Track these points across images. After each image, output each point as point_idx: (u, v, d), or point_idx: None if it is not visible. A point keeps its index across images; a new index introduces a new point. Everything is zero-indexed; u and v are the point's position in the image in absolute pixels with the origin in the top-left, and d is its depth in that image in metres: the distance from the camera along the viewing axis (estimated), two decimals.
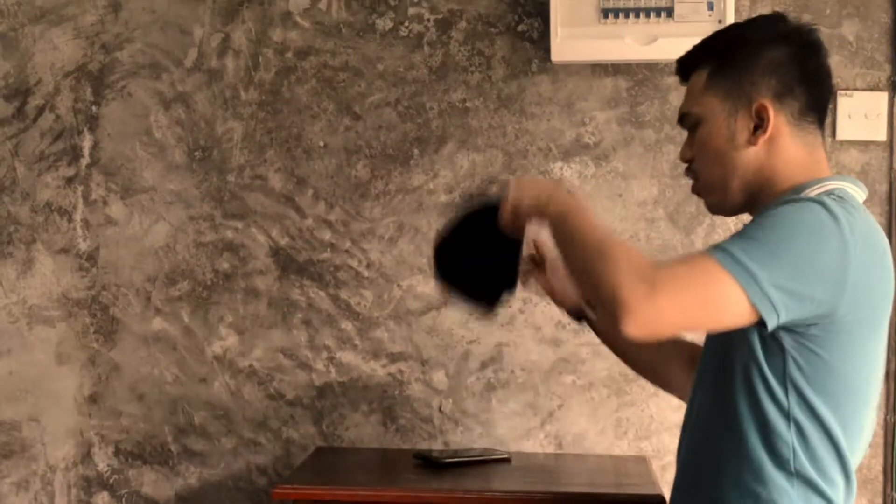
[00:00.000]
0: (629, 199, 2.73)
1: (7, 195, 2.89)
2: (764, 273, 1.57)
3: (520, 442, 2.74)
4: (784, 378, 1.67)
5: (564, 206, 1.75)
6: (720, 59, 1.79)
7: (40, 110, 2.89)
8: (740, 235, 1.63)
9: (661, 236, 2.72)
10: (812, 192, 1.70)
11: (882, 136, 2.66)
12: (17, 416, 2.89)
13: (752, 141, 1.76)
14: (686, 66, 1.86)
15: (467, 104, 2.77)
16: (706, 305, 1.59)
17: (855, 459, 1.77)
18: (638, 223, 2.72)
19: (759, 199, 1.77)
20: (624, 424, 2.74)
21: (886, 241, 1.73)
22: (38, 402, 2.88)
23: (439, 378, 2.78)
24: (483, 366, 2.77)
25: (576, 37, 2.63)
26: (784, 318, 1.61)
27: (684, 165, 1.85)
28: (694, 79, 1.83)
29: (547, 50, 2.68)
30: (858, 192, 1.76)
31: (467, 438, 2.77)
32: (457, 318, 2.77)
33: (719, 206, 1.84)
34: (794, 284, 1.59)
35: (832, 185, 1.73)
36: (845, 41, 2.67)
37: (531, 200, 1.80)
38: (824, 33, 2.64)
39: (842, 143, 2.68)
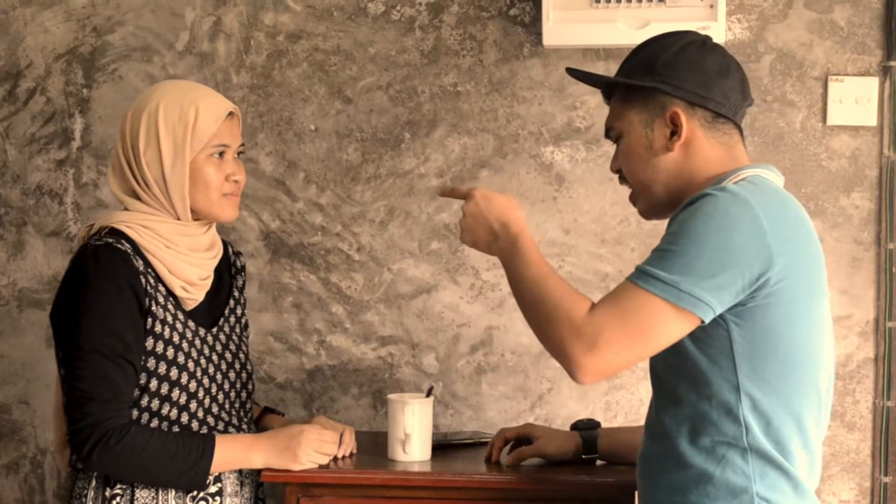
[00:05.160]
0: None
1: None
2: (684, 278, 1.67)
3: (510, 425, 2.74)
4: (731, 352, 1.73)
5: (507, 249, 1.87)
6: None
7: (31, 93, 2.88)
8: (655, 251, 1.74)
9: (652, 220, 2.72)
10: (724, 184, 1.78)
11: (872, 121, 2.66)
12: (8, 399, 2.90)
13: (669, 147, 1.85)
14: (608, 88, 1.98)
15: (459, 88, 2.77)
16: (645, 335, 1.71)
17: (818, 430, 1.80)
18: (628, 207, 2.69)
19: (683, 197, 1.86)
20: (613, 408, 2.75)
21: (802, 211, 1.81)
22: (29, 385, 2.88)
23: (429, 361, 2.79)
24: (473, 349, 2.78)
25: (568, 21, 2.63)
26: (720, 308, 1.70)
27: None
28: (614, 97, 1.95)
29: (539, 34, 2.68)
30: (772, 176, 1.85)
31: (457, 421, 2.78)
32: (447, 301, 2.78)
33: (650, 210, 1.96)
34: (718, 277, 1.68)
35: (745, 173, 1.81)
36: (837, 26, 2.67)
37: (482, 243, 1.93)
38: (816, 18, 2.66)
39: (832, 128, 2.68)
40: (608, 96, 1.98)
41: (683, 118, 1.83)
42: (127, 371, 2.01)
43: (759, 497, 1.73)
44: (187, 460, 2.04)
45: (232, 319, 2.27)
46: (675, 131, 1.84)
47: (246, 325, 2.33)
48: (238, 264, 2.33)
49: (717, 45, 1.89)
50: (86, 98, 2.86)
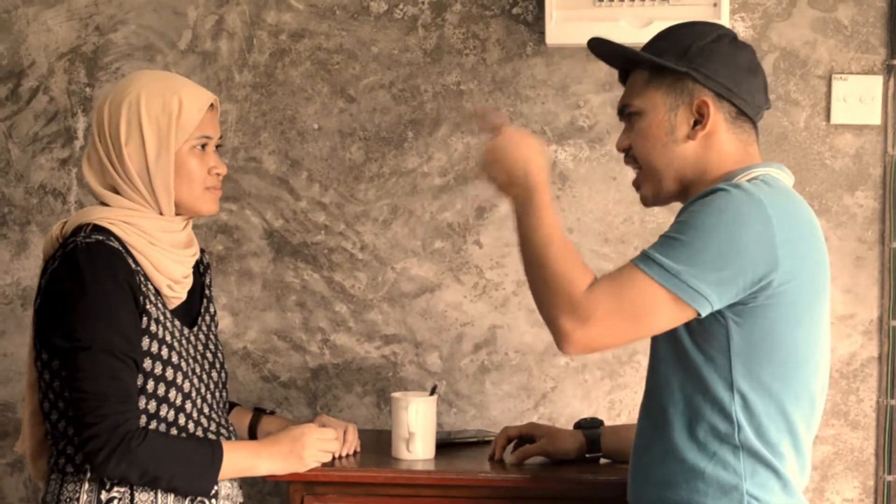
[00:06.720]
0: (623, 182, 2.73)
1: (1, 177, 2.88)
2: (687, 268, 1.67)
3: (513, 423, 2.74)
4: (728, 350, 1.73)
5: (521, 198, 1.83)
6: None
7: (34, 92, 2.88)
8: (663, 237, 1.73)
9: (655, 219, 2.72)
10: (737, 180, 1.78)
11: (877, 119, 2.66)
12: (12, 398, 2.90)
13: (691, 135, 1.84)
14: (628, 64, 1.94)
15: (462, 87, 2.77)
16: (637, 319, 1.71)
17: (808, 433, 1.80)
18: (632, 206, 2.73)
19: (692, 189, 1.85)
20: (617, 406, 2.75)
21: (813, 214, 1.81)
22: None
23: (433, 360, 2.79)
24: (477, 348, 2.78)
25: (570, 20, 2.63)
26: (719, 304, 1.70)
27: None
28: (636, 74, 1.91)
29: (542, 33, 2.68)
30: (784, 176, 1.84)
31: (461, 420, 2.78)
32: (451, 300, 2.78)
33: (654, 197, 1.92)
34: (721, 272, 1.68)
35: (757, 171, 1.81)
36: (840, 25, 2.67)
37: (500, 181, 1.88)
38: (819, 17, 2.66)
39: (836, 126, 2.68)
40: (625, 73, 1.95)
41: (712, 108, 1.82)
42: (133, 371, 1.96)
43: (749, 495, 1.74)
44: (197, 466, 2.00)
45: (207, 318, 2.22)
46: (698, 121, 1.83)
47: (217, 324, 2.29)
48: (205, 261, 2.29)
49: (747, 44, 1.90)
50: (88, 97, 2.86)
